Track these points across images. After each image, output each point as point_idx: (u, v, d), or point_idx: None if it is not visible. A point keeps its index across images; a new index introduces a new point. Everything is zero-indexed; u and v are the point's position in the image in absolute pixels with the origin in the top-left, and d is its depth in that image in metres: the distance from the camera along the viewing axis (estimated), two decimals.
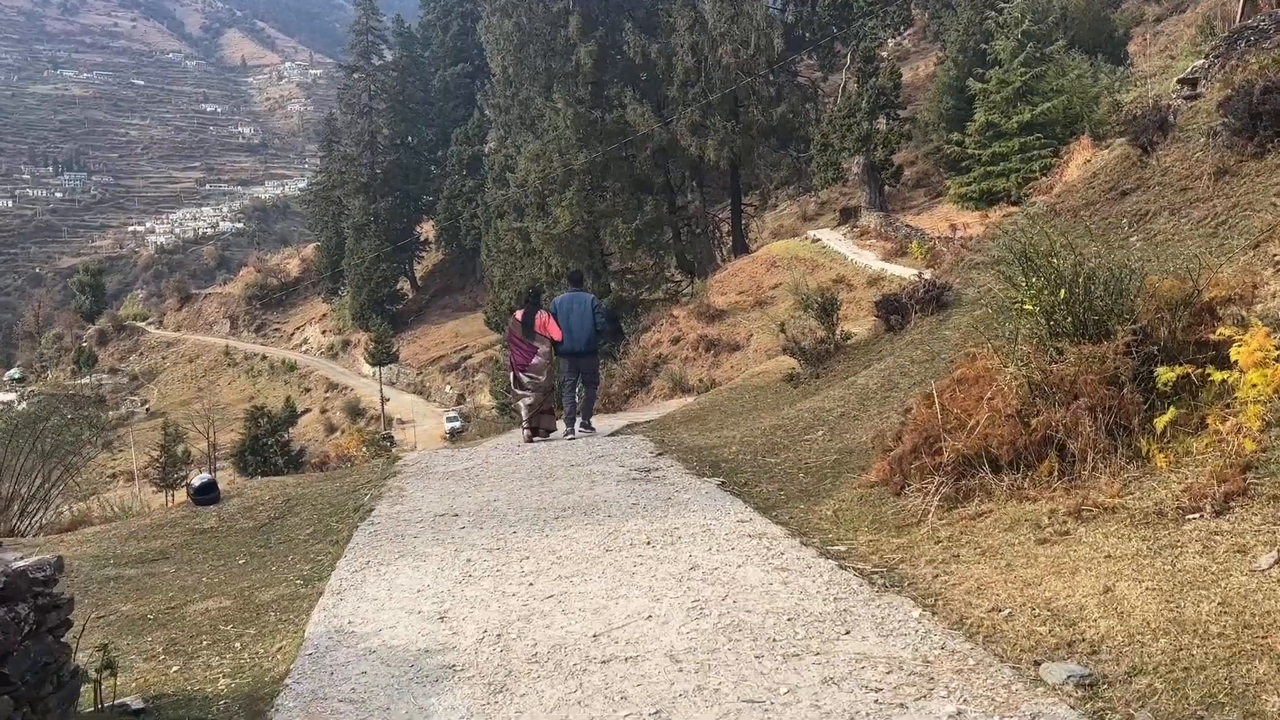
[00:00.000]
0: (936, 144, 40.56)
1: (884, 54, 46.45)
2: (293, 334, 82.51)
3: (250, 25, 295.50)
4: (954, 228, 32.81)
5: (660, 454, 7.70)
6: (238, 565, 5.66)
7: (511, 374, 10.55)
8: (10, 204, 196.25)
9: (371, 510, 6.29)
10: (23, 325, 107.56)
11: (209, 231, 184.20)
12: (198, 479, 7.57)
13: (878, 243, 36.06)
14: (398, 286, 71.31)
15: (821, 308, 10.98)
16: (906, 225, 36.31)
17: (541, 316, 10.14)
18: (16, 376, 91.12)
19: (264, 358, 76.47)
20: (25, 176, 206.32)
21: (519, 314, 10.50)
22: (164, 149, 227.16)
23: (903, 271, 30.92)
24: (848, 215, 39.24)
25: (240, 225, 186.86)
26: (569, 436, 10.04)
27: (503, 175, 44.09)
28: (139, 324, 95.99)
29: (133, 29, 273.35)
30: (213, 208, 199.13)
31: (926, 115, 42.01)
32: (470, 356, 58.53)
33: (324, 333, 77.15)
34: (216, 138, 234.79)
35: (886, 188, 39.85)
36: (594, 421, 10.74)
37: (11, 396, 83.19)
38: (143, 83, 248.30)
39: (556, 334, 10.05)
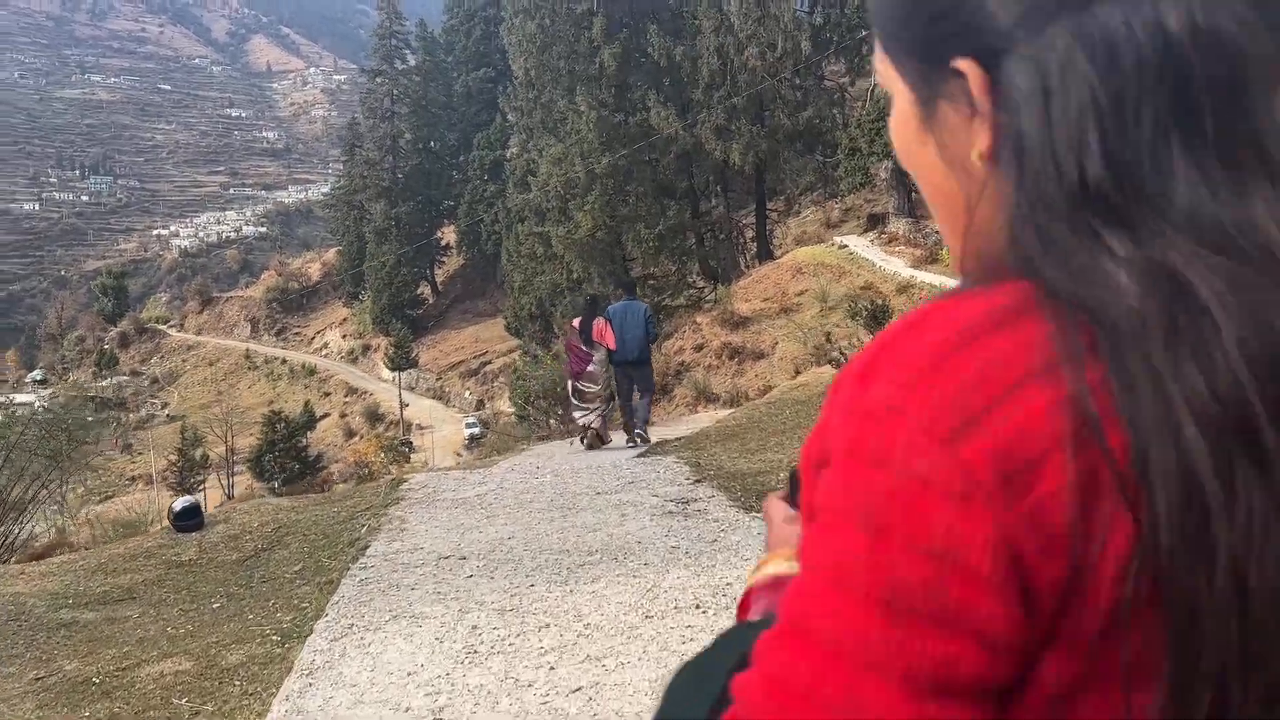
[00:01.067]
0: None
1: None
2: (313, 338, 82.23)
3: (276, 31, 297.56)
4: None
5: (698, 481, 6.86)
6: (210, 610, 4.89)
7: (569, 382, 10.58)
8: (37, 207, 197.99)
9: (367, 548, 5.51)
10: (46, 327, 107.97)
11: (232, 235, 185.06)
12: (179, 502, 6.83)
13: (907, 249, 35.16)
14: (418, 291, 70.89)
15: (871, 315, 10.06)
16: (937, 231, 35.35)
17: (599, 324, 10.06)
18: (39, 378, 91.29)
19: (284, 361, 76.23)
20: (52, 180, 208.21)
21: (576, 321, 10.53)
22: (189, 153, 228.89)
23: (933, 279, 30.05)
24: (875, 221, 38.36)
25: (263, 229, 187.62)
26: (629, 444, 9.93)
27: (524, 179, 43.47)
28: (160, 326, 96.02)
29: (160, 34, 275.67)
30: (236, 212, 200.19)
31: None
32: (490, 362, 57.91)
33: (344, 337, 76.83)
34: (241, 142, 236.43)
35: (914, 194, 38.97)
36: (617, 437, 10.55)
37: (32, 397, 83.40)
38: (169, 87, 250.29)
39: (611, 342, 9.95)
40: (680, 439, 9.77)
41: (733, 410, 12.34)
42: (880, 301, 10.86)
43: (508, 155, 56.53)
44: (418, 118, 70.21)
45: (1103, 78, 0.58)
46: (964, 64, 0.63)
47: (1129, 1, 0.58)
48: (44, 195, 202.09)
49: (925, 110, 0.68)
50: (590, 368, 10.14)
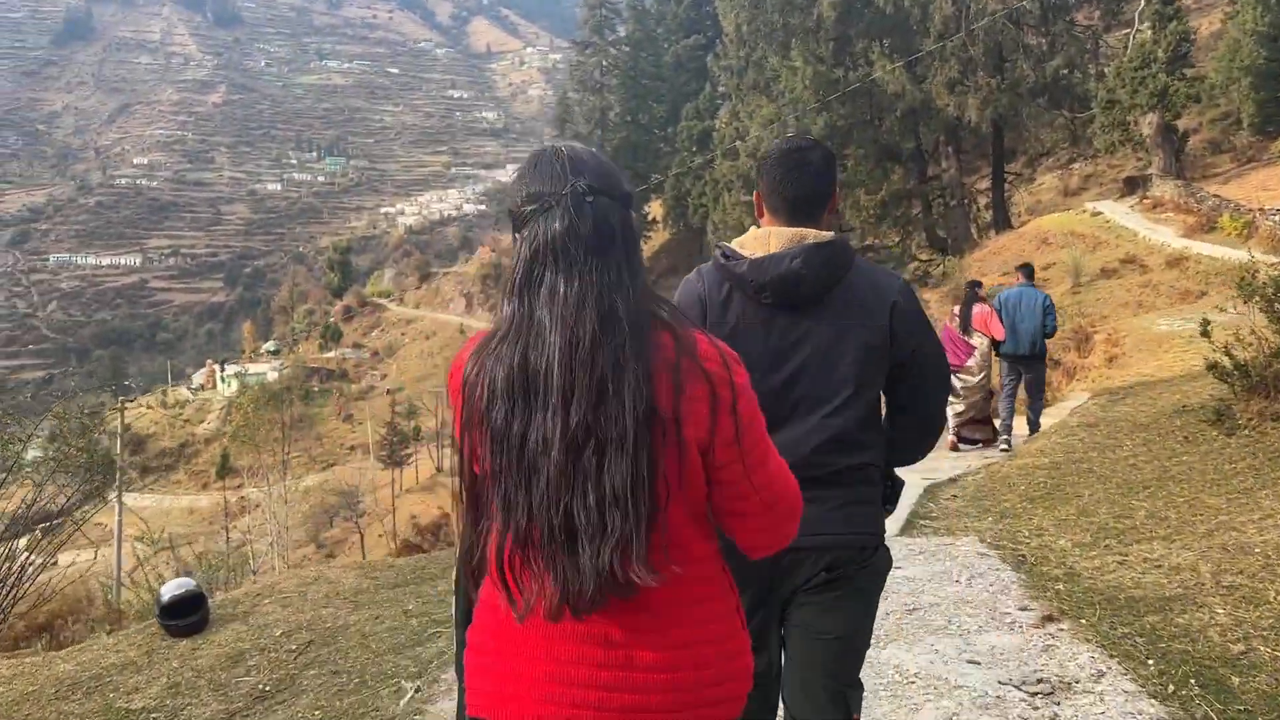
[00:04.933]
0: (1226, 107, 34.66)
1: None
2: None
3: (495, 13, 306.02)
4: None
5: (1048, 617, 3.90)
6: None
7: None
8: (279, 187, 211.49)
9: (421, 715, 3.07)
10: (278, 300, 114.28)
11: (453, 213, 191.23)
12: (169, 589, 4.56)
13: (1176, 216, 30.24)
14: None
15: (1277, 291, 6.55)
16: (1214, 195, 30.26)
17: (982, 312, 9.27)
18: (272, 349, 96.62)
19: None
20: (293, 161, 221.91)
21: (956, 308, 9.77)
22: (414, 134, 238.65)
23: (1210, 249, 25.46)
24: (1134, 185, 33.52)
25: (482, 207, 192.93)
26: (1002, 448, 8.87)
27: (733, 148, 40.86)
28: (381, 301, 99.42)
29: (389, 20, 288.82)
30: (458, 190, 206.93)
31: (1215, 76, 35.85)
32: None
33: None
34: (462, 123, 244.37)
35: (1182, 154, 33.77)
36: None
37: (265, 367, 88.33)
38: (396, 71, 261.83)
39: (999, 332, 9.05)
40: (955, 484, 6.79)
41: (1030, 440, 8.75)
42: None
43: (716, 125, 54.18)
44: (626, 90, 69.02)
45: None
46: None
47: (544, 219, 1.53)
48: (285, 176, 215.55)
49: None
50: (969, 361, 9.27)
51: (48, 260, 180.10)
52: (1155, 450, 6.33)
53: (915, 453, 2.37)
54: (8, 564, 6.79)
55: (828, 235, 2.23)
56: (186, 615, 4.40)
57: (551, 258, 1.45)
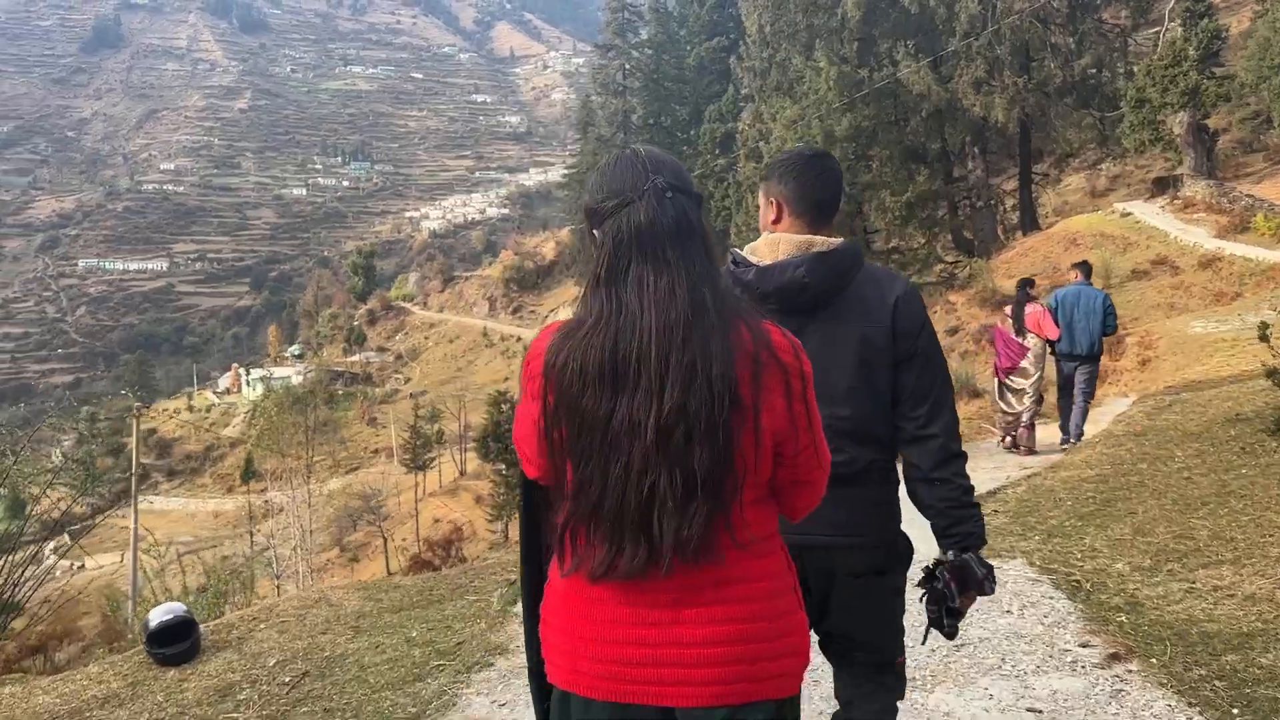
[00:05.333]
0: (1256, 106, 34.04)
1: None
2: (547, 316, 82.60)
3: (519, 17, 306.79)
4: None
5: (1114, 655, 3.54)
6: None
7: (994, 379, 9.59)
8: (305, 192, 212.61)
9: None
10: (303, 304, 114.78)
11: (477, 217, 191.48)
12: (157, 614, 4.26)
13: (1208, 216, 29.65)
14: None
15: None
16: (1247, 195, 29.66)
17: (1035, 311, 8.95)
18: (296, 353, 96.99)
19: (519, 339, 76.87)
20: (318, 166, 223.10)
21: (1008, 309, 9.53)
22: (438, 139, 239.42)
23: (1244, 250, 24.95)
24: (1164, 185, 32.95)
25: (506, 211, 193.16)
26: (1063, 449, 8.73)
27: (756, 149, 40.49)
28: (404, 304, 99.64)
29: (413, 25, 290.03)
30: (481, 194, 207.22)
31: (1245, 75, 35.20)
32: None
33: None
34: (485, 127, 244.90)
35: (1214, 152, 33.15)
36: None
37: (290, 371, 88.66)
38: (421, 76, 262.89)
39: (1052, 332, 8.84)
40: (998, 501, 6.31)
41: (1070, 450, 8.32)
42: None
43: (739, 128, 53.88)
44: (649, 92, 68.95)
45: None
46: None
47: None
48: (310, 181, 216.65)
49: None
50: (1023, 362, 9.05)
51: (76, 265, 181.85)
52: (1210, 462, 5.94)
53: (939, 459, 2.24)
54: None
55: (835, 241, 2.27)
56: (175, 643, 4.14)
57: (637, 250, 1.52)
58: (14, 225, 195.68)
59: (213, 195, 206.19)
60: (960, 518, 2.21)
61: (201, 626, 4.38)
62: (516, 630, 4.01)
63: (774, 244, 2.30)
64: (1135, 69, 34.82)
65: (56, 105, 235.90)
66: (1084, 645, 3.61)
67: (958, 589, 2.16)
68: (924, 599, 2.24)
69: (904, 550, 2.32)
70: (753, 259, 2.30)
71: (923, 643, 2.42)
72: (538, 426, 1.54)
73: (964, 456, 2.27)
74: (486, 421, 44.73)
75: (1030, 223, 35.62)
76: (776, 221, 2.38)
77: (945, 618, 2.17)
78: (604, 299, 1.51)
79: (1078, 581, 4.48)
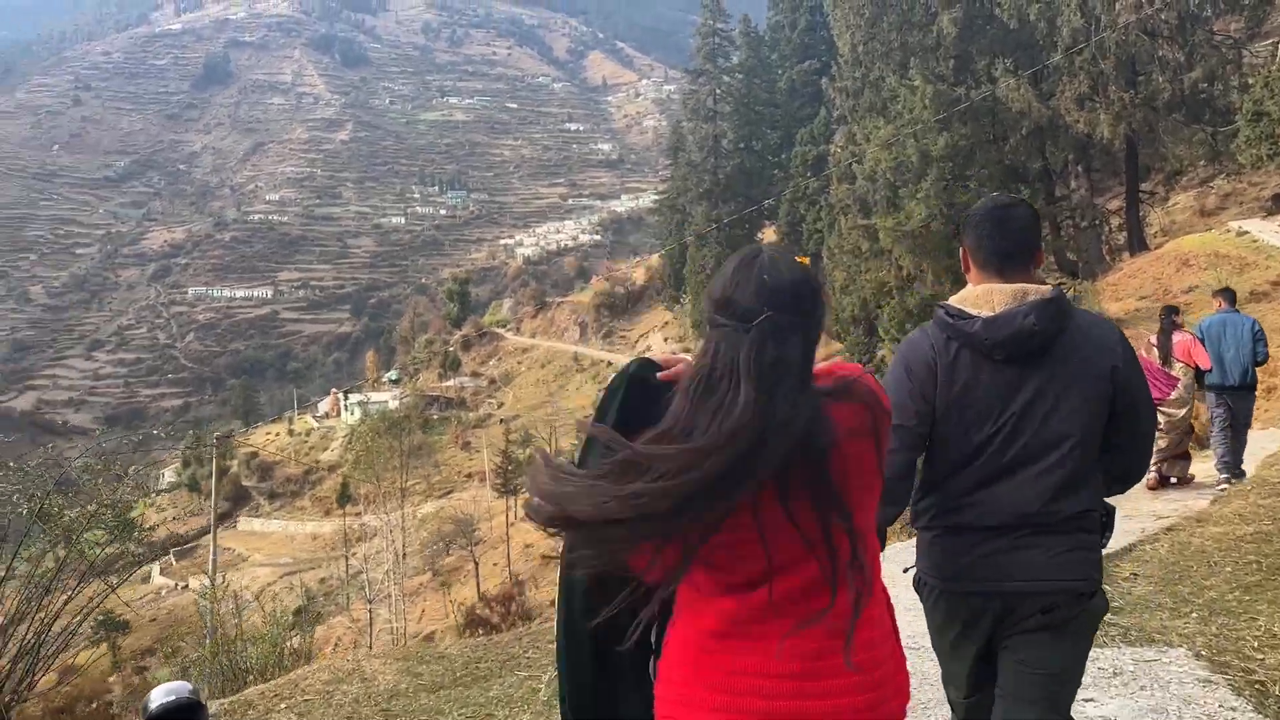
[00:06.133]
0: None
1: None
2: (637, 341, 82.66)
3: (611, 46, 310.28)
4: None
5: None
6: None
7: None
8: (403, 220, 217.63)
9: None
10: (400, 330, 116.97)
11: (569, 244, 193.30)
12: (158, 696, 3.70)
13: None
14: None
15: None
16: None
17: (1184, 340, 8.61)
18: (393, 378, 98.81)
19: (609, 364, 76.96)
20: (415, 195, 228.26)
21: (1152, 338, 9.09)
22: (532, 167, 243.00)
23: None
24: None
25: (597, 237, 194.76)
26: (1221, 488, 8.30)
27: (849, 170, 39.83)
28: (498, 330, 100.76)
29: (508, 56, 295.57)
30: (574, 221, 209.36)
31: None
32: None
33: (666, 340, 76.54)
34: (578, 155, 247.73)
35: None
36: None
37: (387, 396, 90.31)
38: (515, 105, 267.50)
39: (1204, 361, 8.44)
40: (1135, 561, 5.28)
41: (1217, 502, 7.25)
42: None
43: (831, 150, 53.21)
44: (740, 116, 68.67)
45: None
46: None
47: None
48: (408, 210, 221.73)
49: None
50: (1172, 394, 8.61)
51: (186, 293, 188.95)
52: None
53: (1125, 486, 2.47)
54: (31, 632, 6.38)
55: (1048, 289, 2.31)
56: None
57: (730, 376, 1.62)
58: (129, 255, 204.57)
59: (315, 225, 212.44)
60: None
61: (216, 705, 4.03)
62: None
63: (987, 294, 2.33)
64: (1251, 81, 33.27)
65: (169, 140, 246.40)
66: None
67: None
68: None
69: (1100, 605, 2.36)
70: (970, 310, 2.32)
71: None
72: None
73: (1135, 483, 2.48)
74: (576, 447, 44.83)
75: (1138, 243, 34.24)
76: (967, 271, 2.47)
77: None
78: (685, 411, 1.62)
79: (1262, 684, 3.58)
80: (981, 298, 2.33)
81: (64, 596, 6.77)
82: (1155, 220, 38.87)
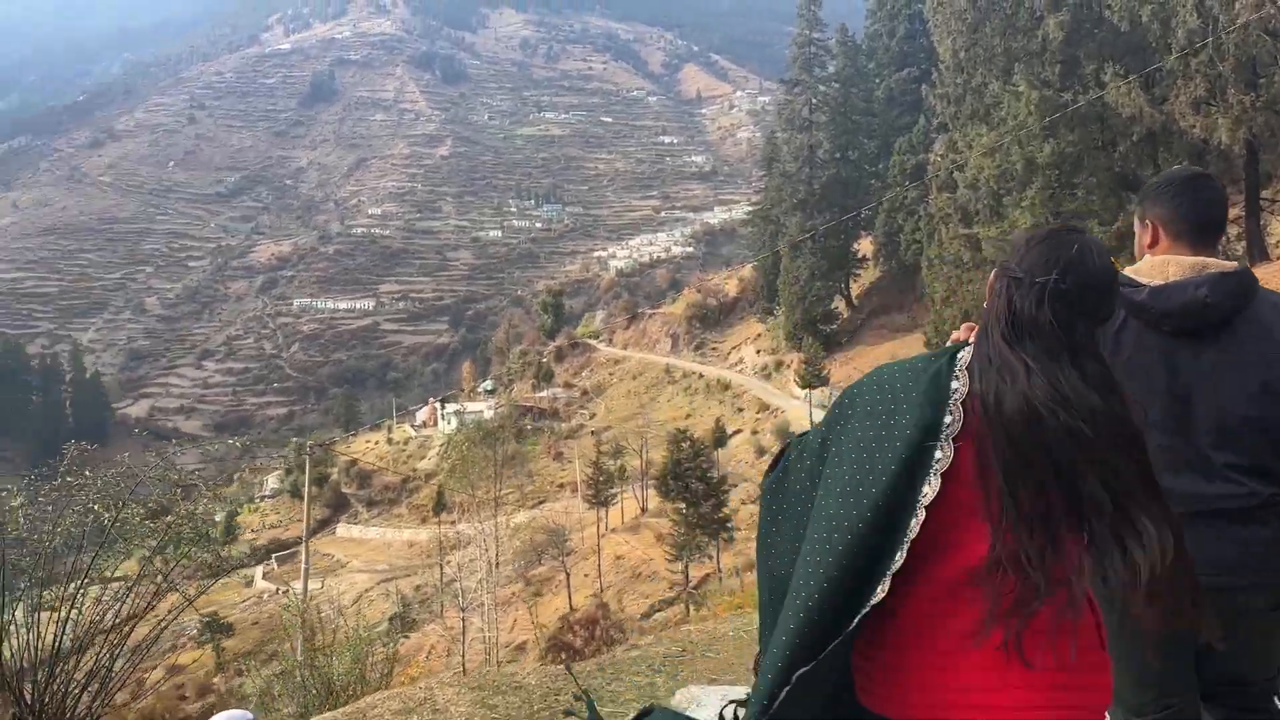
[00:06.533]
0: None
1: None
2: (729, 353, 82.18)
3: (706, 59, 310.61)
4: None
5: None
6: None
7: None
8: (500, 234, 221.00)
9: None
10: (495, 342, 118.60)
11: (662, 256, 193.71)
12: None
13: None
14: (832, 306, 68.14)
15: None
16: None
17: None
18: (489, 389, 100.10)
19: (700, 376, 76.67)
20: (512, 209, 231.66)
21: None
22: (626, 180, 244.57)
23: None
24: None
25: (690, 249, 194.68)
26: None
27: (950, 179, 38.93)
28: (590, 341, 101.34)
29: (603, 71, 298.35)
30: (667, 233, 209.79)
31: None
32: None
33: (758, 352, 75.90)
34: (672, 167, 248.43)
35: None
36: None
37: (482, 406, 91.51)
38: (610, 119, 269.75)
39: None
40: None
41: None
42: None
43: (931, 158, 52.14)
44: (836, 126, 67.83)
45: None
46: None
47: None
48: (505, 223, 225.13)
49: None
50: None
51: (291, 305, 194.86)
52: None
53: None
54: (99, 658, 6.33)
55: (1231, 265, 2.21)
56: None
57: (1027, 330, 1.64)
58: (238, 268, 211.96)
59: (415, 238, 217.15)
60: None
61: None
62: None
63: (1162, 265, 2.24)
64: None
65: (277, 156, 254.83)
66: None
67: None
68: None
69: None
70: (1141, 279, 2.24)
71: None
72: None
73: None
74: (667, 459, 44.51)
75: (1259, 253, 32.65)
76: (1153, 245, 2.33)
77: None
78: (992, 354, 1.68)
79: None
80: (1156, 267, 2.25)
81: (142, 604, 6.78)
82: (1277, 229, 37.10)
